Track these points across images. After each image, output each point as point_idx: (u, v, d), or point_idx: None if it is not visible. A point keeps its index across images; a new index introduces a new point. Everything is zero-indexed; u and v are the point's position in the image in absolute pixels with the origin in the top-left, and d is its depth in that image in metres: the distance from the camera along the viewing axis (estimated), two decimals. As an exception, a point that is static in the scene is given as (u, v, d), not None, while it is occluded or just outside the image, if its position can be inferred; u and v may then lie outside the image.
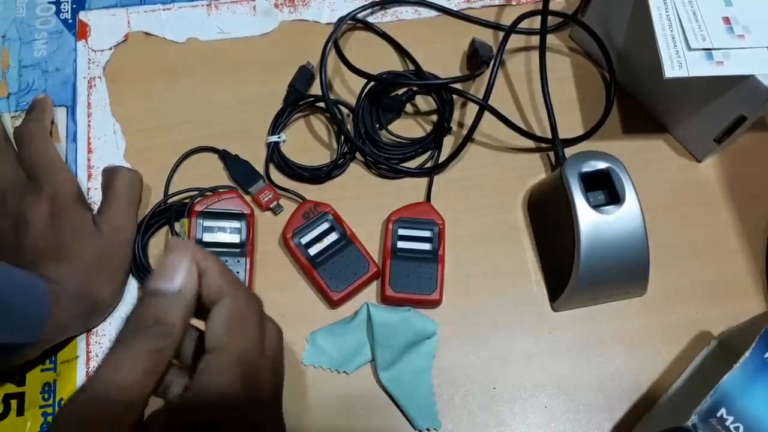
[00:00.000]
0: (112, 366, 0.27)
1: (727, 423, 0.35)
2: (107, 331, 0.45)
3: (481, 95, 0.49)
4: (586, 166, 0.44)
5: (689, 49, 0.43)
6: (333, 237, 0.47)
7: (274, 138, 0.51)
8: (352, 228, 0.47)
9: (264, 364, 0.31)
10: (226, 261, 0.45)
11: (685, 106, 0.50)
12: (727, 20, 0.44)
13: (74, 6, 0.56)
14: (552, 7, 0.52)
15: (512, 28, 0.52)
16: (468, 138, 0.50)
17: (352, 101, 0.52)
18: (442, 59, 0.55)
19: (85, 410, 0.26)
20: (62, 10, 0.56)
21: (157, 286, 0.28)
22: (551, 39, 0.56)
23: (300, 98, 0.52)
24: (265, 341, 0.31)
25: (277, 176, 0.51)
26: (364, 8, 0.56)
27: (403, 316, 0.45)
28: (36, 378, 0.44)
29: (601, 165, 0.44)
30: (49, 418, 0.42)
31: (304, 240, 0.47)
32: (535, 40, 0.55)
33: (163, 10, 0.56)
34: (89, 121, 0.52)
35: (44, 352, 0.43)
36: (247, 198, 0.49)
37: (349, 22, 0.55)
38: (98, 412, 0.26)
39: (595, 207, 0.43)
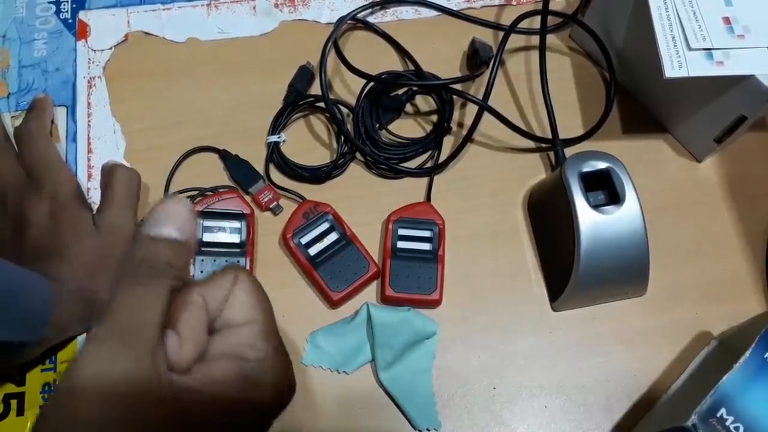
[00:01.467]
0: (139, 306, 0.27)
1: (727, 423, 0.35)
2: (107, 331, 0.45)
3: (481, 95, 0.49)
4: (586, 166, 0.44)
5: (689, 49, 0.43)
6: (333, 237, 0.47)
7: (274, 138, 0.51)
8: (352, 228, 0.47)
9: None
10: (226, 261, 0.45)
11: (685, 106, 0.50)
12: (727, 20, 0.44)
13: (74, 6, 0.56)
14: (552, 7, 0.52)
15: (512, 28, 0.52)
16: (468, 138, 0.50)
17: (352, 101, 0.52)
18: (442, 59, 0.55)
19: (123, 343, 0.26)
20: (62, 9, 0.56)
21: (167, 234, 0.28)
22: (551, 39, 0.56)
23: (300, 98, 0.52)
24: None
25: (277, 176, 0.50)
26: (364, 8, 0.56)
27: (403, 316, 0.45)
28: (36, 378, 0.44)
29: (601, 165, 0.44)
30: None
31: (304, 240, 0.47)
32: (535, 40, 0.55)
33: (163, 9, 0.56)
34: (89, 121, 0.52)
35: (44, 352, 0.43)
36: (247, 198, 0.49)
37: (349, 21, 0.55)
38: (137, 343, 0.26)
39: (595, 207, 0.43)
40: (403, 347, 0.45)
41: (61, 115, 0.52)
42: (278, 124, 0.51)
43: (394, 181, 0.51)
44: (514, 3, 0.58)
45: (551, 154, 0.51)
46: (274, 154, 0.50)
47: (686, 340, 0.46)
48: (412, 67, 0.54)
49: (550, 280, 0.48)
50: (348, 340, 0.45)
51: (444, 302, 0.46)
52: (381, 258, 0.48)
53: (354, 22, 0.56)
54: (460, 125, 0.53)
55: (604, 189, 0.45)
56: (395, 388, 0.44)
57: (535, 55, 0.53)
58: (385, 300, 0.46)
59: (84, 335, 0.45)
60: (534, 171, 0.51)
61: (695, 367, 0.44)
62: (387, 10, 0.57)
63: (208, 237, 0.46)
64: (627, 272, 0.45)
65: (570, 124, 0.53)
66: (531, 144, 0.52)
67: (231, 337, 0.29)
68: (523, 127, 0.51)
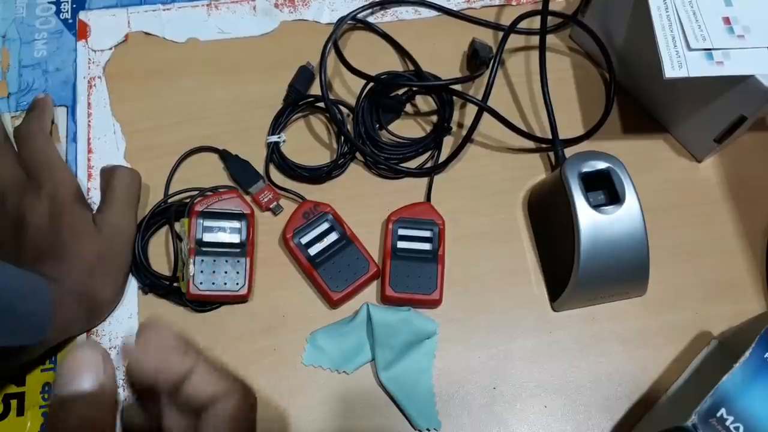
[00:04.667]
0: None
1: (727, 423, 0.35)
2: (107, 331, 0.45)
3: (481, 95, 0.49)
4: (586, 166, 0.44)
5: (689, 49, 0.43)
6: (333, 237, 0.47)
7: (274, 138, 0.51)
8: (352, 228, 0.47)
9: None
10: (226, 261, 0.45)
11: (685, 106, 0.50)
12: (727, 20, 0.44)
13: (74, 6, 0.56)
14: (552, 7, 0.52)
15: (511, 28, 0.52)
16: (468, 138, 0.50)
17: (352, 101, 0.52)
18: (442, 59, 0.55)
19: None
20: (62, 10, 0.56)
21: (73, 389, 0.24)
22: (551, 39, 0.56)
23: (300, 98, 0.52)
24: None
25: (277, 176, 0.51)
26: (364, 8, 0.56)
27: (403, 316, 0.45)
28: (36, 378, 0.44)
29: (601, 165, 0.44)
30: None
31: (304, 240, 0.47)
32: (534, 40, 0.55)
33: (163, 10, 0.56)
34: (89, 121, 0.52)
35: (44, 352, 0.43)
36: (247, 198, 0.49)
37: (349, 22, 0.55)
38: None
39: (595, 207, 0.43)
40: (403, 347, 0.45)
41: (61, 115, 0.52)
42: (278, 124, 0.51)
43: (394, 181, 0.51)
44: (514, 3, 0.58)
45: (551, 154, 0.51)
46: (274, 154, 0.50)
47: (686, 340, 0.46)
48: (412, 68, 0.54)
49: (550, 280, 0.48)
50: (348, 340, 0.45)
51: (444, 302, 0.46)
52: (381, 258, 0.48)
53: (354, 22, 0.56)
54: (460, 125, 0.53)
55: (604, 189, 0.45)
56: (395, 388, 0.44)
57: (534, 55, 0.53)
58: (385, 300, 0.46)
59: (83, 335, 0.45)
60: (534, 171, 0.51)
61: (695, 367, 0.44)
62: (387, 10, 0.57)
63: (208, 237, 0.46)
64: (627, 272, 0.45)
65: (570, 124, 0.53)
66: (531, 144, 0.52)
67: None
68: (523, 128, 0.51)
